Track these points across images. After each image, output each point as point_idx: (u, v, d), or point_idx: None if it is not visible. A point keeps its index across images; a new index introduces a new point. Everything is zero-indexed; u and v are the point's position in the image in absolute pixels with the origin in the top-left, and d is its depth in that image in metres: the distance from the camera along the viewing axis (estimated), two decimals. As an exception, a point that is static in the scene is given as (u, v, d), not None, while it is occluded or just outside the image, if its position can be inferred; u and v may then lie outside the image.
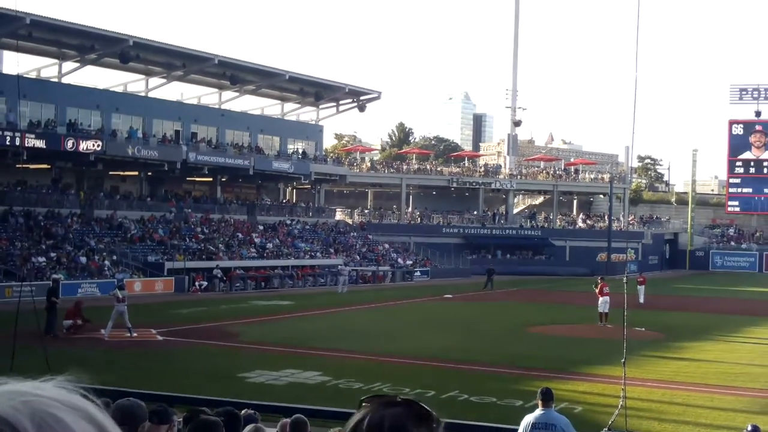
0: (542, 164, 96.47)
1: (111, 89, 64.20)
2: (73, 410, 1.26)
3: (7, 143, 48.80)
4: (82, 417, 1.27)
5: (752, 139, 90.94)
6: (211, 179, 68.06)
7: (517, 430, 10.20)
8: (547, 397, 10.01)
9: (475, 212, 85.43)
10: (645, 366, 23.22)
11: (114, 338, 27.12)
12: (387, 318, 38.07)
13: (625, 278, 18.23)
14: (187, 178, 67.26)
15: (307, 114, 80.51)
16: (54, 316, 27.94)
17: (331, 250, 65.86)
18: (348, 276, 54.64)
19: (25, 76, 59.67)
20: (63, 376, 1.33)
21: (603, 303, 33.60)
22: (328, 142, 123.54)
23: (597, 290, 34.13)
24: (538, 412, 9.92)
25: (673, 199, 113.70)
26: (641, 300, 43.75)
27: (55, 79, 59.63)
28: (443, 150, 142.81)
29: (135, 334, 27.70)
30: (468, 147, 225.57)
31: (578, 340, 30.21)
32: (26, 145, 49.20)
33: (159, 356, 24.49)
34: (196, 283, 50.48)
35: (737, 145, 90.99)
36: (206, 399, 15.72)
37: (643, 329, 31.66)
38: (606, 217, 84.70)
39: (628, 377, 17.61)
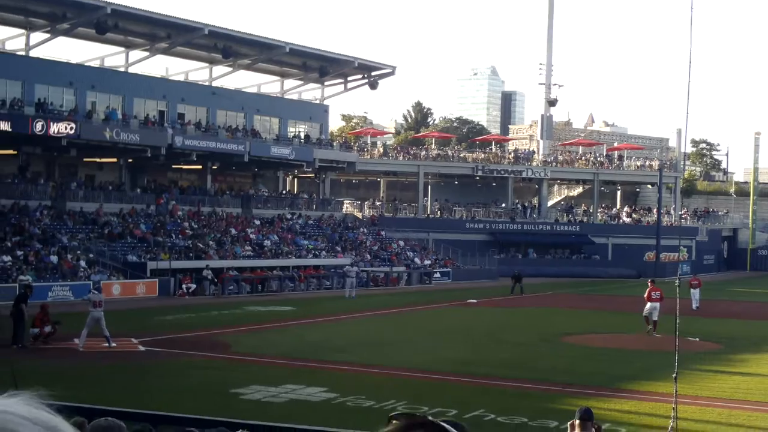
0: (581, 149, 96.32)
1: (86, 64, 64.44)
2: (42, 428, 1.27)
3: (-33, 126, 49.09)
4: None
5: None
6: (200, 167, 68.22)
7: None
8: (587, 417, 10.01)
9: (504, 205, 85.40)
10: (699, 382, 23.17)
11: (89, 349, 27.21)
12: (402, 326, 38.10)
13: (677, 281, 18.16)
14: (173, 166, 67.48)
15: (310, 92, 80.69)
16: (22, 324, 28.04)
17: (338, 249, 65.97)
18: (356, 278, 54.62)
19: (-13, 48, 60.03)
20: (31, 391, 1.34)
21: (651, 309, 33.51)
22: (335, 124, 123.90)
23: (645, 295, 34.10)
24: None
25: (732, 190, 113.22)
26: (695, 306, 43.74)
27: (22, 53, 59.81)
28: (467, 133, 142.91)
29: (114, 344, 27.81)
30: (495, 130, 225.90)
31: (622, 351, 30.17)
32: (-11, 127, 49.43)
33: (140, 369, 24.57)
34: (183, 286, 50.62)
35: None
36: (195, 418, 15.75)
37: (697, 339, 31.62)
38: (655, 210, 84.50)
39: (680, 394, 17.56)
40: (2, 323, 28.32)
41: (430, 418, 1.80)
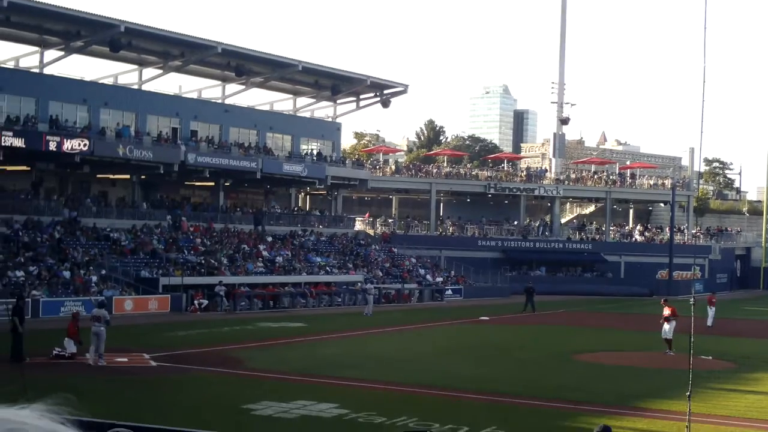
0: (593, 168, 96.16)
1: (99, 81, 64.73)
2: None
3: (-19, 142, 49.24)
4: None
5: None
6: (212, 183, 68.31)
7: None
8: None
9: (516, 222, 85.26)
10: (712, 400, 23.02)
11: (100, 364, 27.22)
12: (413, 343, 38.00)
13: (692, 299, 18.07)
14: (186, 183, 67.58)
15: (322, 110, 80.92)
16: (19, 339, 27.47)
17: (350, 265, 65.93)
18: (374, 296, 54.35)
19: (1, 66, 60.39)
20: (45, 404, 1.32)
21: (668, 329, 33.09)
22: (347, 141, 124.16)
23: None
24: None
25: (746, 209, 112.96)
26: (710, 323, 43.53)
27: (36, 70, 60.14)
28: (479, 151, 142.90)
29: (103, 362, 27.01)
30: (508, 148, 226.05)
31: (634, 369, 30.02)
32: (2, 144, 49.63)
33: (152, 384, 24.55)
34: (195, 302, 50.61)
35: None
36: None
37: (711, 358, 31.39)
38: (667, 228, 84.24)
39: (694, 413, 17.43)
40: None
41: None
